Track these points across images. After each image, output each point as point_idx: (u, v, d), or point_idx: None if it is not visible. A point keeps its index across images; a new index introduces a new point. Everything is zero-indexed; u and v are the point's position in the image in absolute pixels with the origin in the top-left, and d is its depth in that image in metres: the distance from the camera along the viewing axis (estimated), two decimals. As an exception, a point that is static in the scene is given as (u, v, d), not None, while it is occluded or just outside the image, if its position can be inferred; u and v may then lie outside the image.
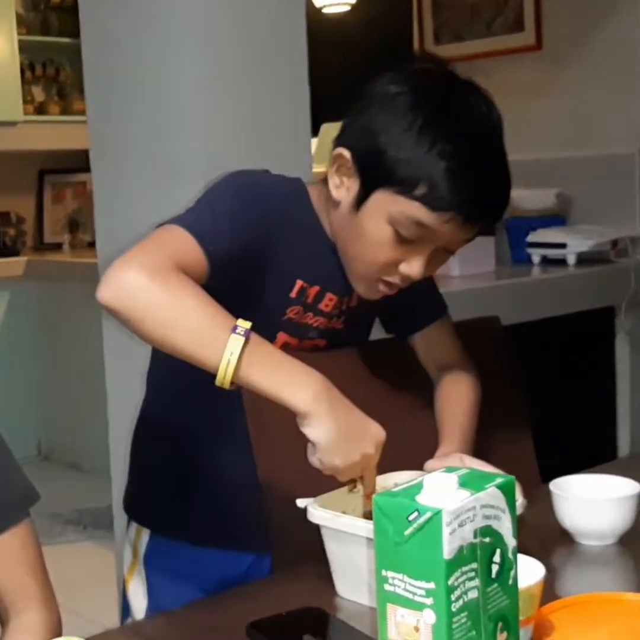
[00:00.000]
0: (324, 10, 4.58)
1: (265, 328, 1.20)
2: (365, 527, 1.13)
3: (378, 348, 1.57)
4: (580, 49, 3.62)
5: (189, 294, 1.15)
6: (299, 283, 1.39)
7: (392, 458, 1.25)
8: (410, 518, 0.81)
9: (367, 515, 1.23)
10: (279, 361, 1.17)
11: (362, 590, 1.17)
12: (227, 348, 1.12)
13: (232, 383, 1.14)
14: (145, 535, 1.47)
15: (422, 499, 0.82)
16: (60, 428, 4.62)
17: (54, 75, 5.17)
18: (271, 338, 1.35)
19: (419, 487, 0.84)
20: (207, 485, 1.46)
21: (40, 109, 5.08)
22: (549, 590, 1.06)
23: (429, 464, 1.36)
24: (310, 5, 3.16)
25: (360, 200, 1.31)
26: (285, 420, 1.40)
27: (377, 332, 1.61)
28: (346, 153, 1.32)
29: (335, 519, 1.18)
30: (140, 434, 1.55)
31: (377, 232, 1.30)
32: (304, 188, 1.43)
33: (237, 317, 1.16)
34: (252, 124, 2.38)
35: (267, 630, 1.09)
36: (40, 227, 5.27)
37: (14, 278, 4.64)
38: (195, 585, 1.43)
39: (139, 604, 1.46)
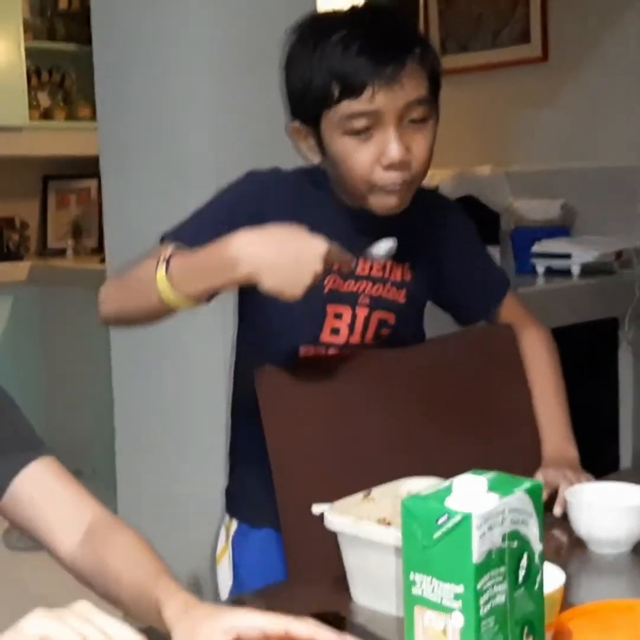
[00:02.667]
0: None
1: (314, 305, 1.43)
2: (384, 534, 1.14)
3: (420, 350, 1.58)
4: (586, 61, 3.63)
5: (132, 271, 1.35)
6: None
7: (423, 462, 1.25)
8: (440, 521, 0.81)
9: (382, 523, 1.24)
10: (196, 262, 1.29)
11: (378, 596, 1.17)
12: (157, 278, 1.28)
13: (187, 301, 1.29)
14: (234, 521, 1.57)
15: (451, 502, 0.83)
16: (63, 434, 4.60)
17: (60, 81, 5.17)
18: (323, 313, 1.49)
19: (448, 490, 0.85)
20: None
21: (46, 115, 5.08)
22: (564, 598, 1.07)
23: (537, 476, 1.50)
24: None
25: (320, 142, 1.43)
26: (302, 426, 1.41)
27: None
28: (290, 123, 1.46)
29: (353, 526, 1.18)
30: (232, 432, 1.62)
31: (343, 148, 1.40)
32: (321, 171, 1.51)
33: (276, 302, 1.28)
34: (263, 130, 2.39)
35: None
36: (44, 233, 5.27)
37: (17, 283, 4.64)
38: (274, 567, 1.46)
39: (225, 584, 1.56)
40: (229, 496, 1.62)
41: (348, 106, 1.37)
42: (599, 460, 3.25)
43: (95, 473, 4.15)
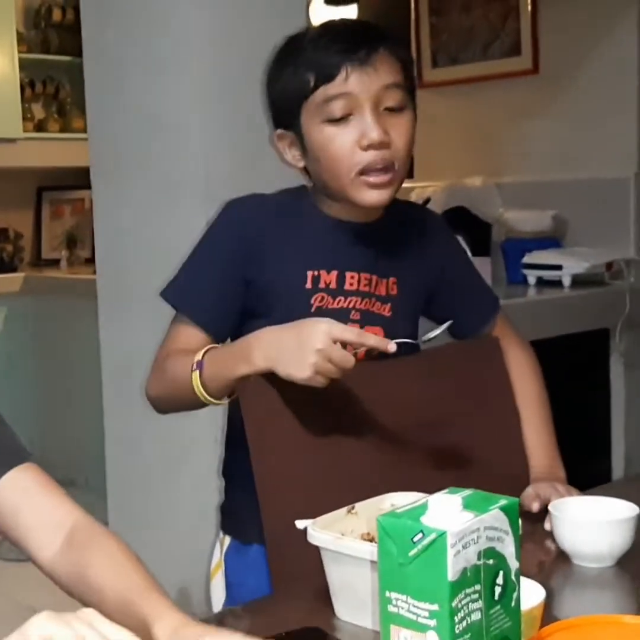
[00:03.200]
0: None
1: None
2: (366, 550, 1.14)
3: (406, 363, 1.58)
4: (576, 73, 3.65)
5: (176, 364, 1.45)
6: (310, 273, 1.48)
7: (408, 477, 1.26)
8: (415, 539, 0.82)
9: (365, 537, 1.24)
10: (223, 361, 1.39)
11: (361, 612, 1.17)
12: (193, 384, 1.40)
13: (216, 396, 1.41)
14: (228, 537, 1.59)
15: (426, 520, 0.83)
16: (55, 444, 4.60)
17: (53, 92, 5.19)
18: None
19: (423, 508, 0.85)
20: None
21: (40, 126, 5.10)
22: (547, 612, 1.07)
23: (525, 492, 1.53)
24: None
25: (302, 141, 1.46)
26: (287, 441, 1.41)
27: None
28: (274, 133, 1.50)
29: (335, 542, 1.18)
30: (226, 449, 1.65)
31: (323, 136, 1.43)
32: (304, 189, 1.55)
33: (269, 323, 1.36)
34: (251, 142, 2.40)
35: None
36: (38, 243, 5.28)
37: (11, 294, 4.65)
38: (266, 583, 1.46)
39: (218, 599, 1.58)
40: (222, 513, 1.63)
41: (324, 91, 1.41)
42: (591, 471, 3.27)
43: (88, 483, 4.16)
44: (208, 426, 2.41)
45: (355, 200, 1.45)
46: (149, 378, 1.52)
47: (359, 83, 1.40)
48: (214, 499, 1.68)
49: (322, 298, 1.49)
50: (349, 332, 1.30)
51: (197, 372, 1.40)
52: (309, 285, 1.49)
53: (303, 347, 1.29)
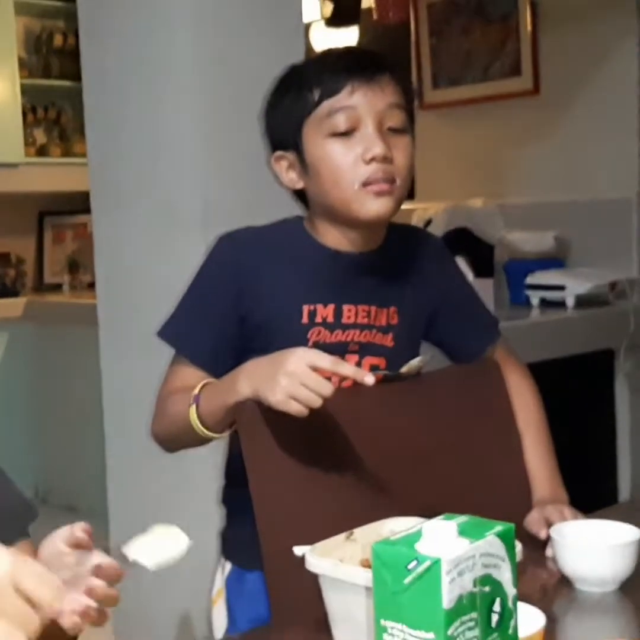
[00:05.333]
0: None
1: None
2: (364, 577, 1.12)
3: (404, 388, 1.55)
4: (577, 94, 3.65)
5: (174, 403, 1.47)
6: (306, 308, 1.47)
7: (407, 502, 1.24)
8: (410, 567, 0.80)
9: (364, 564, 1.23)
10: (215, 393, 1.41)
11: (359, 639, 1.15)
12: (191, 420, 1.41)
13: (214, 430, 1.42)
14: (228, 564, 1.58)
15: (421, 547, 0.82)
16: (57, 470, 4.59)
17: (55, 117, 5.20)
18: None
19: (417, 535, 0.83)
20: None
21: (42, 151, 5.10)
22: (549, 638, 1.05)
23: (531, 516, 1.51)
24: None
25: (302, 161, 1.45)
26: (284, 467, 1.40)
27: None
28: (272, 156, 1.50)
29: (333, 569, 1.16)
30: (226, 476, 1.65)
31: (327, 150, 1.43)
32: (300, 221, 1.54)
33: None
34: (251, 170, 2.39)
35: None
36: (40, 268, 5.28)
37: (13, 319, 4.64)
38: (268, 610, 1.44)
39: (220, 626, 1.58)
40: (223, 539, 1.62)
41: (328, 105, 1.41)
42: (597, 493, 3.24)
43: (91, 510, 4.14)
44: (209, 452, 2.40)
45: (358, 213, 1.43)
46: (153, 419, 1.54)
47: (364, 98, 1.41)
48: (215, 526, 1.67)
49: (319, 332, 1.48)
50: (324, 360, 1.29)
51: (194, 406, 1.41)
52: (305, 320, 1.47)
53: (276, 371, 1.29)
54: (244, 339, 1.50)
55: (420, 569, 0.79)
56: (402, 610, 0.81)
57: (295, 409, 1.28)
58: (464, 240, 3.36)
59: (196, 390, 1.42)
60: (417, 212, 3.62)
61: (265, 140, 1.52)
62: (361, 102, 1.41)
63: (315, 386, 1.27)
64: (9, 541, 1.24)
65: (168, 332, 1.54)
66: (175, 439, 1.53)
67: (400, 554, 0.81)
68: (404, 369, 1.43)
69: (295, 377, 1.27)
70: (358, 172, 1.41)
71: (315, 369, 1.28)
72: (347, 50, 1.53)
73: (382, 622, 0.82)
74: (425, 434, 1.53)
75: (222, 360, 1.49)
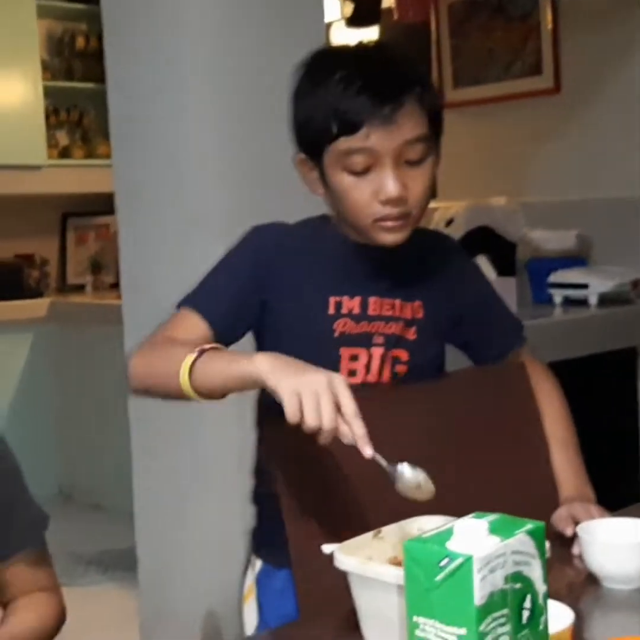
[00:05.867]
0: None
1: (324, 350, 1.47)
2: (394, 574, 1.13)
3: (432, 386, 1.57)
4: (598, 92, 3.64)
5: (168, 350, 1.40)
6: (332, 299, 1.49)
7: (436, 501, 1.25)
8: (441, 564, 0.81)
9: (393, 562, 1.24)
10: (227, 356, 1.35)
11: (388, 636, 1.16)
12: (182, 366, 1.33)
13: (197, 391, 1.34)
14: (259, 562, 1.58)
15: (452, 545, 0.83)
16: (81, 469, 4.62)
17: (77, 119, 5.23)
18: (336, 356, 1.49)
19: (449, 533, 0.85)
20: None
21: (64, 153, 5.14)
22: (577, 635, 1.06)
23: (557, 514, 1.51)
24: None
25: (322, 175, 1.46)
26: (310, 467, 1.41)
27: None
28: (297, 155, 1.50)
29: (363, 566, 1.17)
30: (255, 475, 1.63)
31: (342, 183, 1.44)
32: (326, 218, 1.56)
33: (288, 351, 1.31)
34: (275, 173, 2.41)
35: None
36: (63, 269, 5.32)
37: (37, 319, 4.68)
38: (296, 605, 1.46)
39: (251, 623, 1.58)
40: (254, 537, 1.63)
41: (345, 142, 1.41)
42: (621, 492, 3.23)
43: (114, 508, 4.17)
44: (236, 450, 2.42)
45: (374, 240, 1.47)
46: (139, 350, 1.47)
47: (381, 140, 1.39)
48: (242, 523, 1.68)
49: (345, 323, 1.50)
50: (348, 400, 1.23)
51: (194, 356, 1.34)
52: (331, 311, 1.50)
53: (304, 372, 1.24)
54: (265, 327, 1.51)
55: (452, 566, 0.81)
56: (434, 607, 0.82)
57: (292, 410, 1.22)
58: (485, 239, 3.36)
59: (205, 346, 1.36)
60: (439, 211, 3.62)
61: (291, 131, 1.50)
62: (378, 143, 1.40)
63: (324, 412, 1.21)
64: (20, 548, 1.36)
65: (185, 301, 1.51)
66: (152, 378, 1.43)
67: (432, 552, 0.82)
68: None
69: (314, 391, 1.22)
70: (372, 209, 1.43)
71: (335, 400, 1.22)
72: (371, 71, 1.42)
73: (415, 618, 0.84)
74: (451, 434, 1.54)
75: (231, 326, 1.49)
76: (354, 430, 1.23)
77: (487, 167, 3.96)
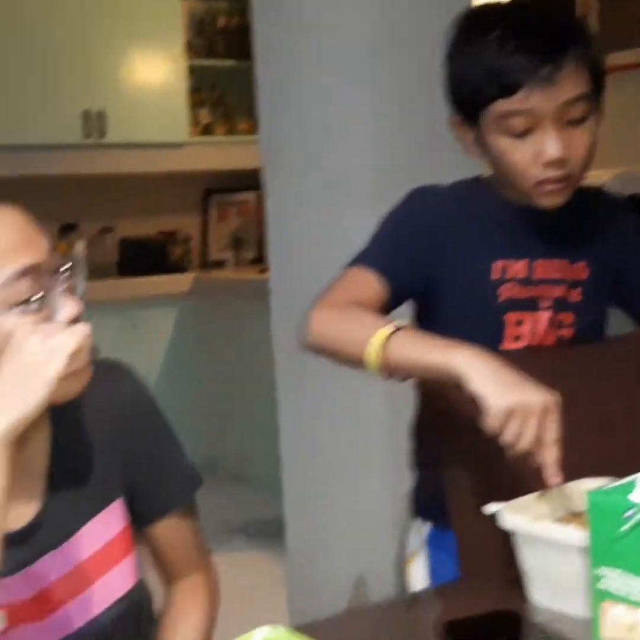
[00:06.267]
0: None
1: (489, 315, 1.47)
2: (565, 533, 1.12)
3: (593, 349, 1.55)
4: None
5: (358, 316, 1.37)
6: (498, 264, 1.47)
7: (599, 464, 1.24)
8: (626, 515, 0.80)
9: (560, 522, 1.22)
10: (428, 339, 1.30)
11: (557, 596, 1.15)
12: (374, 339, 1.30)
13: (386, 368, 1.30)
14: (427, 524, 1.58)
15: (635, 497, 0.82)
16: (225, 441, 4.71)
17: (220, 97, 5.32)
18: (501, 322, 1.48)
19: (631, 485, 0.84)
20: None
21: (207, 130, 5.23)
22: None
23: None
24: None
25: (479, 137, 1.44)
26: (472, 429, 1.40)
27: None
28: (452, 116, 1.48)
29: (531, 525, 1.17)
30: (415, 437, 1.63)
31: (500, 146, 1.41)
32: (480, 180, 1.54)
33: (451, 316, 1.36)
34: (423, 140, 2.40)
35: (461, 631, 1.10)
36: (205, 245, 5.42)
37: (181, 294, 4.79)
38: None
39: (419, 584, 1.56)
40: (418, 499, 1.63)
41: (503, 105, 1.38)
42: None
43: (257, 479, 4.24)
44: (384, 418, 2.43)
45: (534, 202, 1.44)
46: (318, 308, 1.41)
47: (540, 101, 1.36)
48: (394, 489, 1.68)
49: (511, 288, 1.48)
50: (553, 425, 1.19)
51: (388, 331, 1.30)
52: (496, 275, 1.48)
53: (515, 385, 1.21)
54: (428, 293, 1.49)
55: (639, 516, 0.79)
56: (619, 557, 0.81)
57: (498, 425, 1.19)
58: (638, 207, 3.27)
59: (400, 322, 1.32)
60: (588, 179, 3.54)
61: (445, 91, 1.48)
62: (538, 104, 1.36)
63: (527, 436, 1.18)
64: (179, 503, 1.36)
65: (356, 260, 1.48)
66: (335, 343, 1.39)
67: (616, 503, 0.82)
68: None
69: (528, 411, 1.19)
70: (533, 172, 1.40)
71: (542, 423, 1.19)
72: (530, 28, 1.38)
73: (598, 570, 0.83)
74: (614, 399, 1.51)
75: (407, 282, 1.47)
76: (547, 458, 1.20)
77: (637, 134, 3.85)
